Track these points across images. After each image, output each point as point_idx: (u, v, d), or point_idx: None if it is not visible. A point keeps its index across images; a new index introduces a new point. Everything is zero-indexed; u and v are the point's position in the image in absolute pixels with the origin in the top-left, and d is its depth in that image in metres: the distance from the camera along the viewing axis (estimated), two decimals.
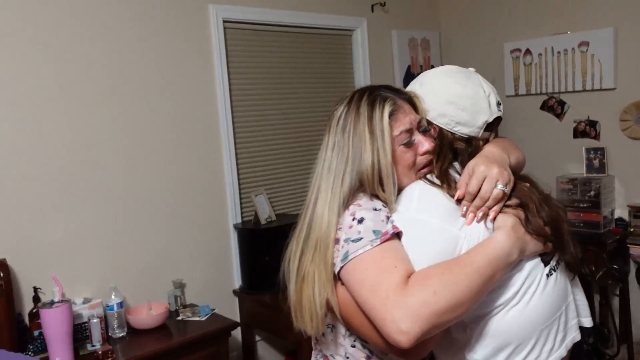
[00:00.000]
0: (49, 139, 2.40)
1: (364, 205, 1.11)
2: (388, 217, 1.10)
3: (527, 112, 3.70)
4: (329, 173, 1.17)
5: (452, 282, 0.98)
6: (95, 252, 2.53)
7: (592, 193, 3.21)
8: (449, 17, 4.11)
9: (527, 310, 1.09)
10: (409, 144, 1.16)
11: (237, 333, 2.94)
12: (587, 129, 3.42)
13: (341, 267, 1.08)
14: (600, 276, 2.52)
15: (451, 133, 1.19)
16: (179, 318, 2.62)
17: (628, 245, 3.11)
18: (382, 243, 1.05)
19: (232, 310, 2.98)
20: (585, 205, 3.22)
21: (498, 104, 1.23)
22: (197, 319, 2.61)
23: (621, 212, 3.30)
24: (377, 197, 1.15)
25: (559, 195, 3.39)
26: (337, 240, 1.10)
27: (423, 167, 1.18)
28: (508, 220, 1.08)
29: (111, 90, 2.56)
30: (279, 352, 3.20)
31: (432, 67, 4.09)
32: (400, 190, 1.17)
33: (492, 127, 1.24)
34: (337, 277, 1.11)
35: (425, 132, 1.19)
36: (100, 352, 2.20)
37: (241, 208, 3.05)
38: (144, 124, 2.67)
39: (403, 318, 0.95)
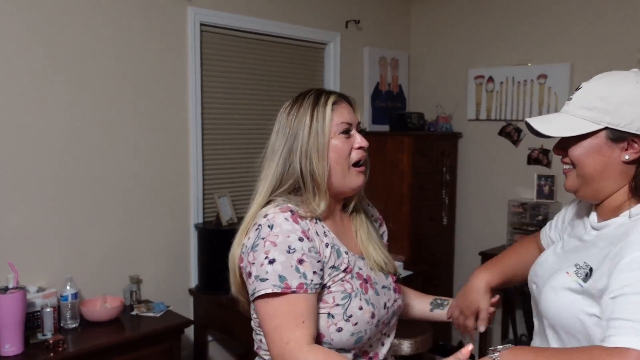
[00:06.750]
0: (10, 128, 2.39)
1: (279, 245, 1.15)
2: (301, 261, 1.14)
3: (486, 137, 3.87)
4: (273, 153, 1.28)
5: None
6: (53, 242, 2.53)
7: (541, 217, 3.39)
8: (419, 40, 4.27)
9: None
10: (347, 132, 1.26)
11: (189, 332, 2.97)
12: (540, 157, 3.60)
13: (253, 300, 1.17)
14: None
15: None
16: (133, 313, 2.64)
17: None
18: (281, 294, 1.12)
19: (186, 309, 3.00)
20: (533, 228, 3.39)
21: None
22: (151, 314, 2.63)
23: None
24: (306, 204, 1.23)
25: (510, 218, 3.55)
26: (249, 274, 1.17)
27: (357, 163, 1.27)
28: None
29: (80, 81, 2.57)
30: (231, 353, 3.23)
31: (400, 86, 4.26)
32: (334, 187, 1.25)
33: None
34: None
35: (361, 131, 1.30)
36: (51, 342, 2.20)
37: (203, 208, 3.09)
38: (113, 116, 2.69)
39: None
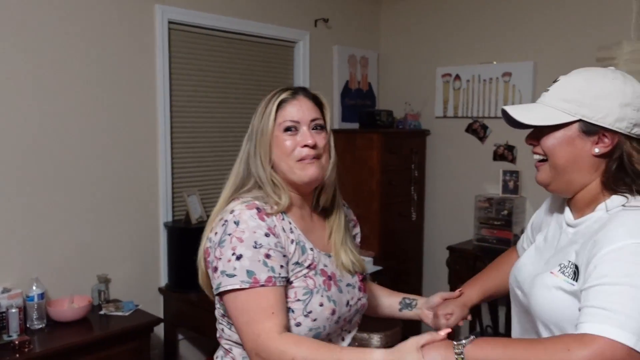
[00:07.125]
0: None
1: (246, 241, 1.17)
2: (268, 255, 1.17)
3: (454, 134, 3.94)
4: (240, 152, 1.34)
5: (311, 358, 1.08)
6: (19, 241, 2.49)
7: (506, 212, 3.47)
8: (388, 38, 4.32)
9: None
10: (288, 130, 1.26)
11: (160, 331, 2.95)
12: (505, 153, 3.69)
13: (220, 293, 1.19)
14: None
15: (629, 141, 1.14)
16: (102, 312, 2.61)
17: None
18: (250, 288, 1.14)
19: (156, 308, 2.98)
20: (499, 223, 3.48)
21: None
22: (120, 314, 2.61)
23: None
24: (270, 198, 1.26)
25: (477, 213, 3.63)
26: (215, 269, 1.19)
27: (303, 159, 1.25)
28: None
29: (44, 79, 2.54)
30: (202, 352, 3.23)
31: (369, 84, 4.30)
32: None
33: None
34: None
35: (316, 129, 1.28)
36: (17, 343, 2.18)
37: (173, 207, 3.07)
38: (79, 115, 2.65)
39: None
